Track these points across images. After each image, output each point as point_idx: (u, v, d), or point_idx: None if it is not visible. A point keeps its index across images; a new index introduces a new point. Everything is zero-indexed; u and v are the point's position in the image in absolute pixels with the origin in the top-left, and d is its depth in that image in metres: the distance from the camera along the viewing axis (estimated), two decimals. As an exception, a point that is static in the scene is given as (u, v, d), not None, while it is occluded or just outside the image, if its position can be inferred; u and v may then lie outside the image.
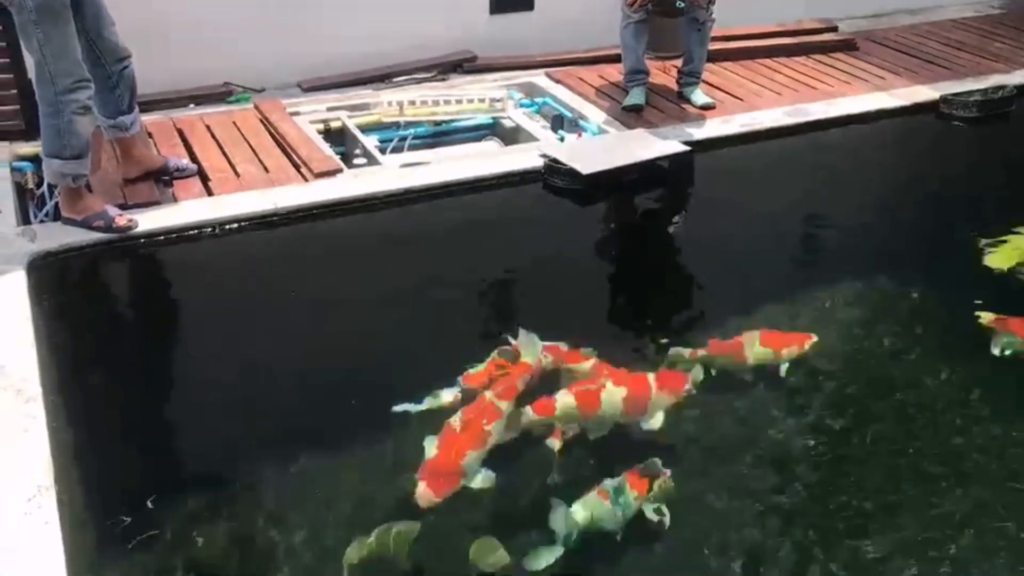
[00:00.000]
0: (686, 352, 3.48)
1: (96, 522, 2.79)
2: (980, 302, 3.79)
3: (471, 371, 3.31)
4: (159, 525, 2.77)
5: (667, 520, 2.82)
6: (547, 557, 2.67)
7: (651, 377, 3.23)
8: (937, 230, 4.62)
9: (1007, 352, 3.56)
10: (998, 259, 3.98)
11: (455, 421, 2.96)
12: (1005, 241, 4.19)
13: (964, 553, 2.80)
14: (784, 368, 3.46)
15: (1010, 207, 4.76)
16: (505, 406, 3.03)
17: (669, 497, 2.86)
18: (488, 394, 3.07)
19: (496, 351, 3.39)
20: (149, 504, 2.83)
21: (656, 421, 3.13)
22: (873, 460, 3.16)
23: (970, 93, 5.82)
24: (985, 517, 2.92)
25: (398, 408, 3.16)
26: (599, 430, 3.11)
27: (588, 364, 3.34)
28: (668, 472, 2.90)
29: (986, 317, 3.70)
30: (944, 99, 5.78)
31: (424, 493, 2.75)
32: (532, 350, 3.30)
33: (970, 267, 4.14)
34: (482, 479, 2.85)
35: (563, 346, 3.44)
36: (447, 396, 3.19)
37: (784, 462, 3.14)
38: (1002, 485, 3.05)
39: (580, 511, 2.75)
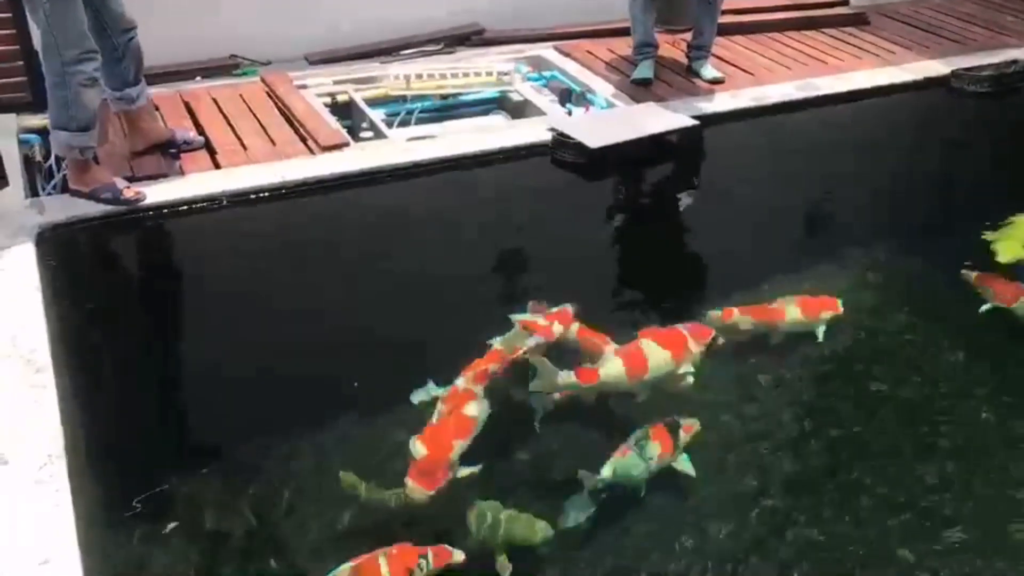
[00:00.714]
0: (719, 313, 3.46)
1: (106, 490, 2.81)
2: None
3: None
4: (167, 495, 2.79)
5: (693, 473, 2.87)
6: (578, 515, 2.73)
7: (684, 330, 3.21)
8: (944, 208, 4.60)
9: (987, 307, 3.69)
10: (1004, 252, 3.99)
11: (436, 416, 2.92)
12: (1010, 225, 4.17)
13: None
14: (821, 331, 3.51)
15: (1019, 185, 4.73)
16: (479, 390, 2.98)
17: (698, 445, 2.94)
18: (461, 381, 3.01)
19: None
20: (158, 475, 2.85)
21: (690, 375, 3.15)
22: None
23: (982, 68, 5.77)
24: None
25: (413, 394, 3.12)
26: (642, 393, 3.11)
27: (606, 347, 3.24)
28: (695, 424, 2.96)
29: (970, 275, 3.83)
30: (955, 74, 5.74)
31: (415, 489, 2.70)
32: (516, 339, 3.17)
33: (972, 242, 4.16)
34: (468, 471, 2.81)
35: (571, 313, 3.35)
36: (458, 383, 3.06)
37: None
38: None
39: (605, 469, 2.78)
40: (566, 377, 3.02)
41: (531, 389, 3.04)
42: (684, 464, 2.89)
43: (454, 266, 3.97)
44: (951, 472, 3.00)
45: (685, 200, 4.83)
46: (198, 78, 5.43)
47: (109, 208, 4.07)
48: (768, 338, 3.50)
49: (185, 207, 4.18)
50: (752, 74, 5.73)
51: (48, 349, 3.17)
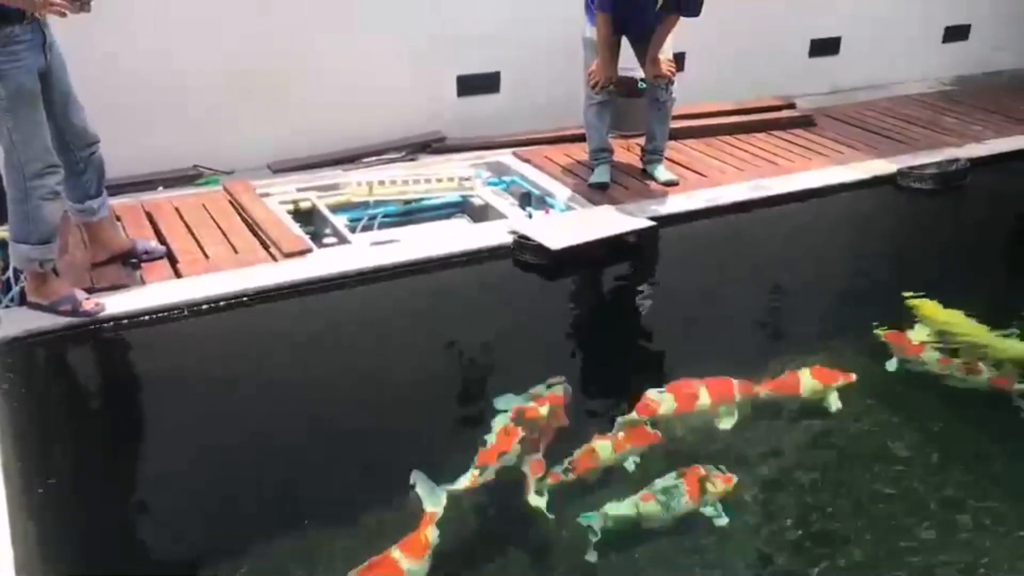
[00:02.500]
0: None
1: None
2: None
3: (484, 448, 3.30)
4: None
5: (724, 520, 3.08)
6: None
7: (734, 382, 3.64)
8: (883, 296, 4.69)
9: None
10: (918, 336, 4.21)
11: None
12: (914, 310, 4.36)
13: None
14: (833, 400, 3.73)
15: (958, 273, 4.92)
16: (408, 565, 2.80)
17: (728, 497, 3.15)
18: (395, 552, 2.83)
19: (503, 424, 3.40)
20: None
21: (731, 421, 3.54)
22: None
23: (925, 166, 5.99)
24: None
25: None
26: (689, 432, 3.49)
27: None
28: (732, 476, 3.21)
29: (882, 332, 4.15)
30: (901, 172, 5.94)
31: None
32: (434, 499, 3.06)
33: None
34: None
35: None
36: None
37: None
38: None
39: (621, 508, 3.04)
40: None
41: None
42: (713, 512, 3.10)
43: (420, 369, 3.96)
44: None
45: (643, 298, 4.89)
46: (160, 188, 5.47)
47: (68, 320, 4.03)
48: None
49: (146, 317, 4.15)
50: (705, 176, 5.89)
51: (1, 466, 3.09)
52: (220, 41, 5.56)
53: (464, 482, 3.13)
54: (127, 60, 5.29)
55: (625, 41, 5.40)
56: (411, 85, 6.12)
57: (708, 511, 3.11)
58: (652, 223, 5.10)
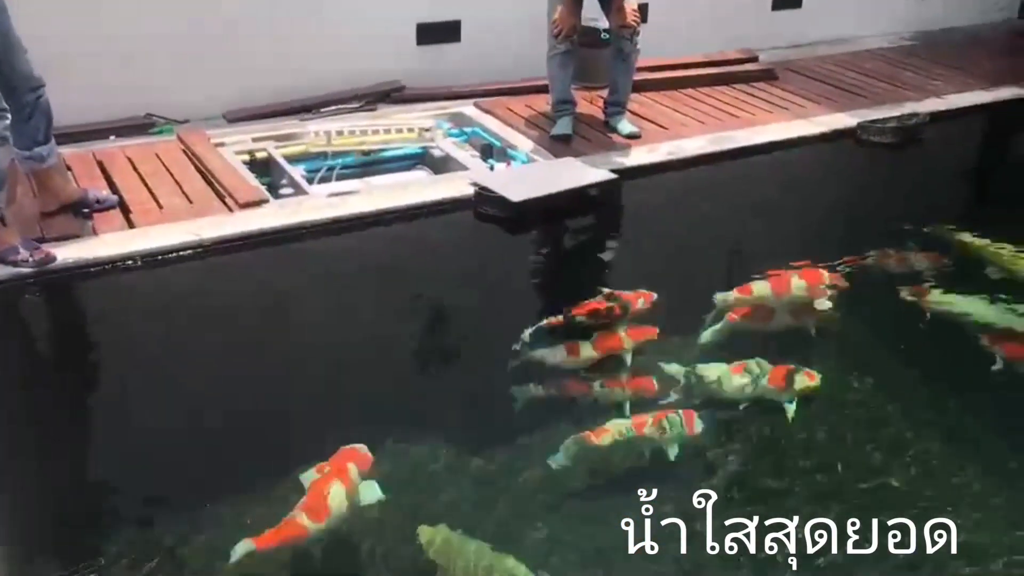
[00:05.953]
0: (731, 295, 3.92)
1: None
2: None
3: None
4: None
5: (791, 413, 3.29)
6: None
7: (826, 274, 3.98)
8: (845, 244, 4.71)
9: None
10: None
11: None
12: None
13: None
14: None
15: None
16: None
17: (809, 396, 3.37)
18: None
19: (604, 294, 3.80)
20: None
21: (827, 303, 3.86)
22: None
23: (886, 120, 6.01)
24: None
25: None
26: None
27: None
28: (817, 375, 3.41)
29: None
30: (861, 126, 5.96)
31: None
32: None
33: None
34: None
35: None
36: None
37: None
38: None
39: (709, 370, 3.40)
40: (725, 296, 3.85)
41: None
42: (789, 407, 3.31)
43: (377, 322, 3.92)
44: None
45: (605, 250, 4.88)
46: (112, 137, 5.32)
47: (17, 271, 3.93)
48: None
49: (97, 268, 4.06)
50: (667, 128, 5.86)
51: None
52: (173, -15, 5.39)
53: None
54: (76, 3, 5.11)
55: (589, -9, 5.33)
56: (370, 33, 5.98)
57: (785, 403, 3.33)
58: (614, 176, 5.07)
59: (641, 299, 3.88)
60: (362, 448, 2.96)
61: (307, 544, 2.68)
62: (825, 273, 4.02)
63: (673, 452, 3.09)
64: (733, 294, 3.91)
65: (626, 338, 3.69)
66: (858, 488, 3.05)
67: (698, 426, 3.16)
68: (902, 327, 3.98)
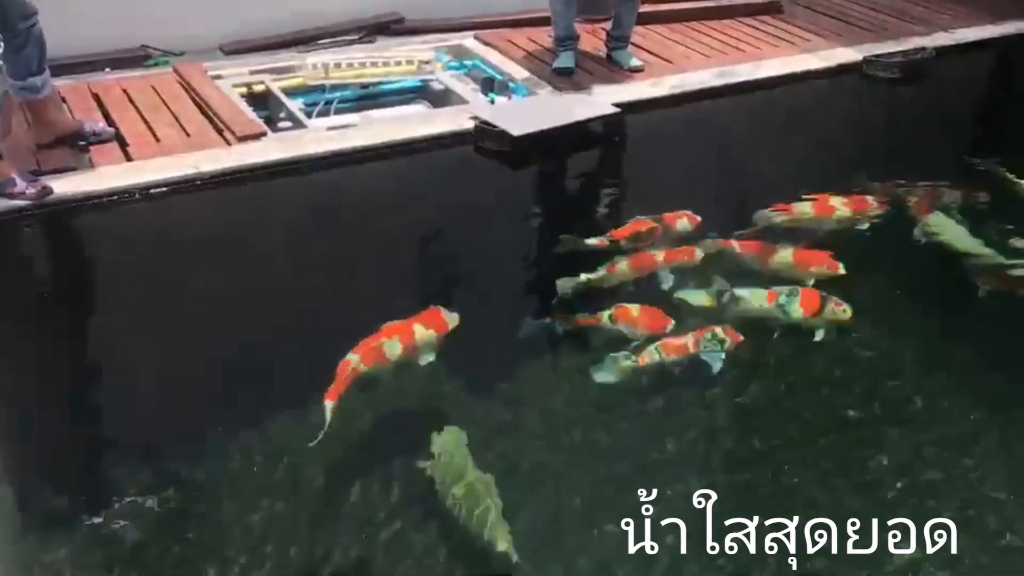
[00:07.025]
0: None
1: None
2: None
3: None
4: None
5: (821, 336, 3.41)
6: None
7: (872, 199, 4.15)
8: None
9: None
10: None
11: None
12: None
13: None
14: None
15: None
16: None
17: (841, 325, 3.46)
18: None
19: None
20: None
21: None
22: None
23: (892, 55, 5.92)
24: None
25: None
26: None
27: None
28: (848, 307, 3.46)
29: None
30: (867, 60, 5.87)
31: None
32: None
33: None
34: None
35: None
36: None
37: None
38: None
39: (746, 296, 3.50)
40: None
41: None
42: (819, 331, 3.42)
43: (377, 255, 3.91)
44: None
45: (607, 185, 4.83)
46: (107, 70, 5.25)
47: (13, 203, 3.91)
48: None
49: (95, 201, 4.03)
50: (671, 62, 5.78)
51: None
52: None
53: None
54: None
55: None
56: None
57: (817, 329, 3.42)
58: (617, 110, 5.01)
59: (683, 219, 4.01)
60: (446, 312, 3.20)
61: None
62: (871, 198, 4.15)
63: (716, 365, 3.24)
64: (773, 213, 4.03)
65: (664, 259, 3.77)
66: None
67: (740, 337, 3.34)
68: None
